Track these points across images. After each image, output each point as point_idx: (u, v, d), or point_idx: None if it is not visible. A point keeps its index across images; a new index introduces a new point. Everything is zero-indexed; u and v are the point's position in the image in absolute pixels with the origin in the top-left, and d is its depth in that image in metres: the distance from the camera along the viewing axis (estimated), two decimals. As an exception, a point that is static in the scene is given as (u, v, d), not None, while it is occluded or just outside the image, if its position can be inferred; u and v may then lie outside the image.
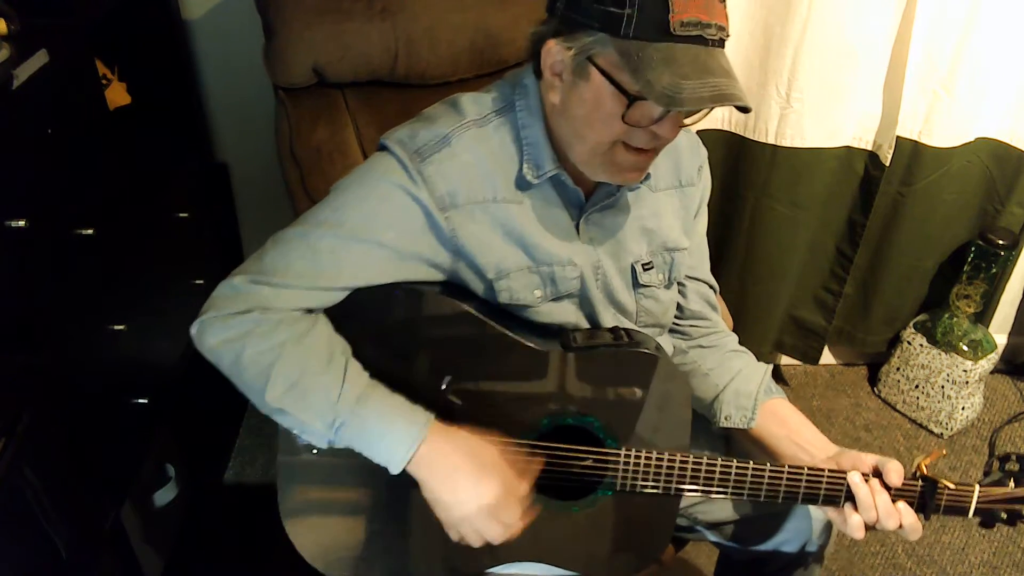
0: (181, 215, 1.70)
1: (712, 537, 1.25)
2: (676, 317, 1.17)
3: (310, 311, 0.93)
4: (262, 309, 0.90)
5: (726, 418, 1.10)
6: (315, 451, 0.99)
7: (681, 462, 0.97)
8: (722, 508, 1.17)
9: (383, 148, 0.96)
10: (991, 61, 1.72)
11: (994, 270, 1.94)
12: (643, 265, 1.06)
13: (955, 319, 2.03)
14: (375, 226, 0.93)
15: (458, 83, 1.50)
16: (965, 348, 2.01)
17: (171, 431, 1.54)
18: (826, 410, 2.18)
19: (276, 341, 0.89)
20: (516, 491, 0.93)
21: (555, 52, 0.88)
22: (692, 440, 1.01)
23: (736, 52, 1.74)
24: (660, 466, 0.98)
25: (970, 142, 1.84)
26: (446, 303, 0.98)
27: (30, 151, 1.14)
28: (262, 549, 1.06)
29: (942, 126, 1.79)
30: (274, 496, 1.02)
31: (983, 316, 2.07)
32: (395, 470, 0.90)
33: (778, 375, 2.28)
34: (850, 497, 0.97)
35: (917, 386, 2.12)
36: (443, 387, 0.97)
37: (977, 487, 0.98)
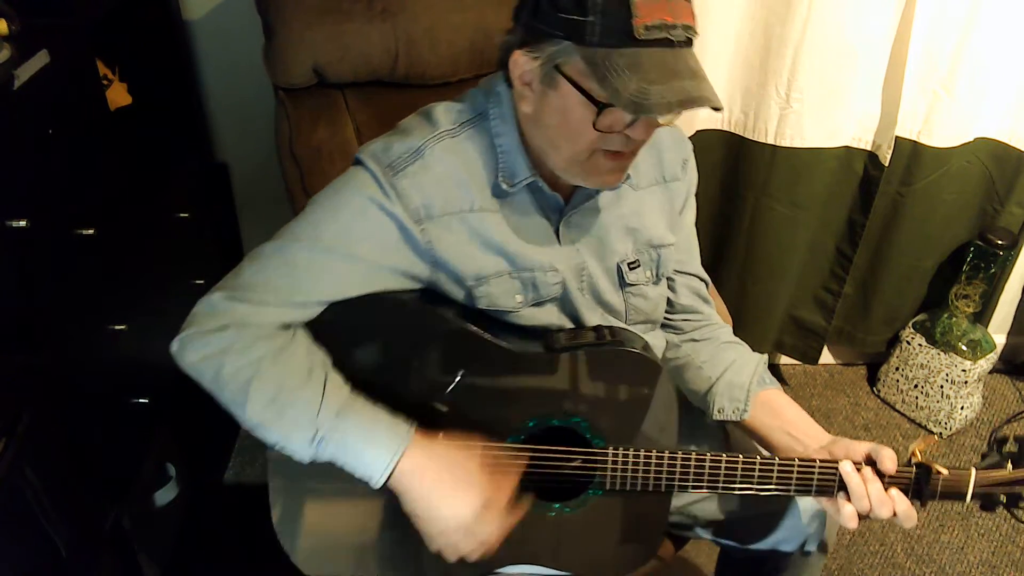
0: (181, 215, 1.70)
1: (712, 536, 1.25)
2: (667, 312, 1.16)
3: (288, 326, 0.94)
4: (240, 325, 0.90)
5: (719, 411, 1.10)
6: None
7: (670, 459, 0.97)
8: (721, 506, 1.17)
9: (358, 162, 0.96)
10: (991, 61, 1.72)
11: (993, 270, 1.94)
12: (629, 264, 1.06)
13: (954, 319, 2.03)
14: (350, 240, 0.93)
15: (458, 83, 1.50)
16: (964, 348, 2.02)
17: (171, 431, 1.54)
18: (825, 410, 2.19)
19: (254, 357, 0.89)
20: (495, 505, 0.92)
21: (522, 63, 0.88)
22: (691, 436, 1.01)
23: (736, 52, 1.74)
24: (648, 463, 0.98)
25: (969, 142, 1.84)
26: (426, 311, 0.98)
27: (31, 151, 1.14)
28: (262, 549, 1.06)
29: (941, 126, 1.79)
30: (274, 496, 1.02)
31: (982, 316, 2.07)
32: (376, 485, 0.90)
33: (778, 375, 2.28)
34: (843, 487, 0.96)
35: (916, 386, 2.12)
36: (427, 394, 0.97)
37: (973, 471, 0.97)
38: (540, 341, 1.00)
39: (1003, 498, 0.99)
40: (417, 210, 0.93)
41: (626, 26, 0.80)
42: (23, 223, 1.04)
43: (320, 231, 0.93)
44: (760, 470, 0.98)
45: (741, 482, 0.98)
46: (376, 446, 0.89)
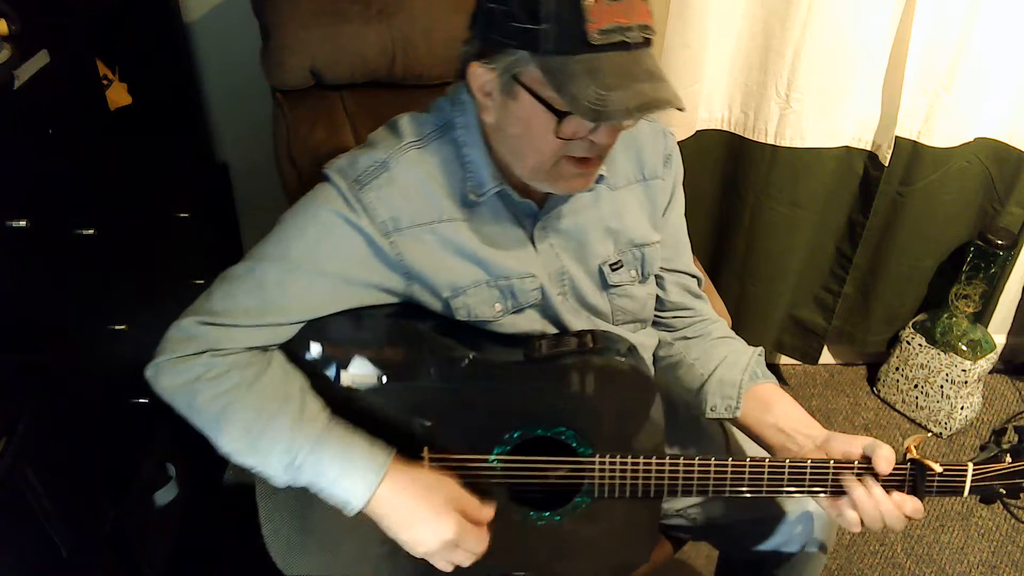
0: (181, 215, 1.70)
1: (712, 538, 1.25)
2: (657, 310, 1.16)
3: (264, 348, 0.93)
4: (212, 352, 0.90)
5: (711, 408, 1.08)
6: None
7: (657, 465, 0.96)
8: (720, 509, 1.17)
9: (325, 178, 0.96)
10: (991, 61, 1.72)
11: (993, 270, 1.94)
12: (611, 266, 1.05)
13: (954, 319, 2.03)
14: (318, 257, 0.93)
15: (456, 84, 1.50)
16: (964, 348, 2.02)
17: (171, 431, 1.54)
18: (825, 410, 2.19)
19: (226, 387, 0.89)
20: (478, 520, 0.93)
21: (480, 74, 0.87)
22: (693, 439, 1.00)
23: (736, 52, 1.74)
24: (636, 470, 0.97)
25: (969, 142, 1.84)
26: (405, 325, 0.98)
27: (31, 151, 1.14)
28: (262, 549, 1.06)
29: (941, 126, 1.79)
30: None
31: (982, 316, 2.07)
32: (350, 513, 0.90)
33: (778, 375, 2.27)
34: (837, 486, 0.96)
35: (916, 386, 2.12)
36: (410, 408, 0.97)
37: (970, 465, 0.96)
38: (521, 350, 0.99)
39: (1003, 491, 0.98)
40: (384, 223, 0.93)
41: (580, 32, 0.79)
42: (23, 223, 1.04)
43: (288, 249, 0.93)
44: (750, 473, 0.96)
45: (731, 486, 0.97)
46: (352, 476, 0.89)
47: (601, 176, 1.00)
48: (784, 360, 2.29)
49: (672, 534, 1.25)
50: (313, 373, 0.96)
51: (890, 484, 0.95)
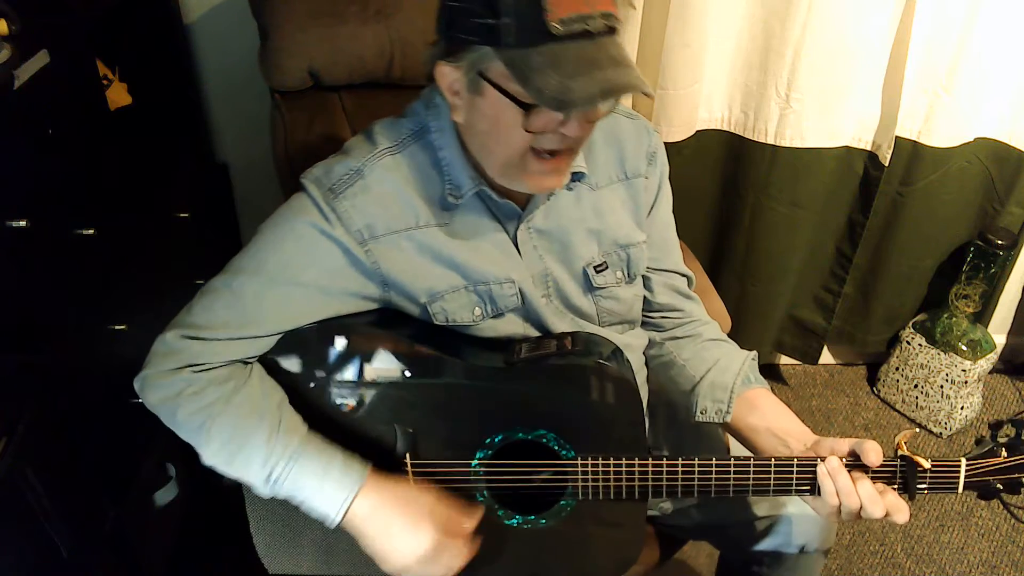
0: (181, 215, 1.70)
1: (712, 538, 1.25)
2: (645, 310, 1.15)
3: (244, 362, 0.94)
4: (192, 366, 0.91)
5: (702, 412, 1.08)
6: None
7: (640, 465, 0.96)
8: (719, 510, 1.17)
9: (301, 187, 0.96)
10: (991, 61, 1.72)
11: (993, 270, 1.94)
12: (595, 267, 1.05)
13: (954, 319, 2.03)
14: (294, 268, 0.93)
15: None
16: (964, 348, 2.02)
17: (171, 431, 1.53)
18: (825, 410, 2.19)
19: (206, 402, 0.90)
20: (458, 533, 0.93)
21: (447, 72, 0.87)
22: (694, 441, 1.00)
23: (736, 52, 1.74)
24: (619, 471, 0.96)
25: (969, 142, 1.84)
26: (382, 333, 0.98)
27: (31, 151, 1.14)
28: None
29: (941, 126, 1.79)
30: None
31: (982, 316, 2.07)
32: (331, 525, 0.91)
33: (778, 375, 2.28)
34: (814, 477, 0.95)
35: (916, 386, 2.12)
36: (391, 417, 0.97)
37: (963, 461, 0.95)
38: (502, 354, 0.99)
39: (999, 486, 0.96)
40: (360, 232, 0.93)
41: (539, 23, 0.78)
42: (23, 223, 1.04)
43: (264, 261, 0.93)
44: (736, 471, 0.96)
45: (717, 484, 0.96)
46: (328, 490, 0.90)
47: (582, 175, 1.00)
48: (784, 360, 2.29)
49: (672, 534, 1.25)
50: (293, 384, 0.96)
51: (881, 479, 0.94)
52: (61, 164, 1.22)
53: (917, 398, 2.13)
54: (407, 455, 0.97)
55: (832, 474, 0.93)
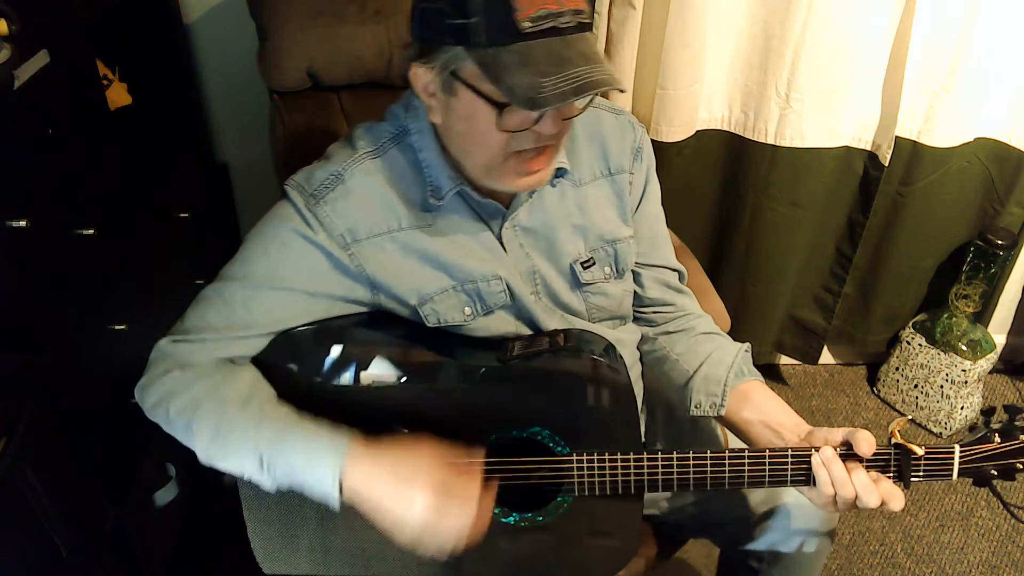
0: (181, 215, 1.70)
1: (712, 537, 1.25)
2: (637, 306, 1.15)
3: (233, 360, 0.94)
4: (181, 366, 0.92)
5: (696, 406, 1.08)
6: None
7: (635, 460, 0.96)
8: (718, 508, 1.17)
9: (284, 194, 0.96)
10: (991, 61, 1.72)
11: (993, 270, 1.94)
12: (582, 264, 1.05)
13: (954, 319, 2.03)
14: (281, 273, 0.93)
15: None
16: (964, 348, 2.02)
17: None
18: (825, 410, 2.19)
19: (191, 396, 0.90)
20: (457, 489, 0.87)
21: (421, 74, 0.87)
22: (692, 440, 1.00)
23: (736, 52, 1.74)
24: (614, 466, 0.96)
25: (969, 142, 1.84)
26: (374, 334, 0.98)
27: (31, 151, 1.14)
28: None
29: (941, 126, 1.79)
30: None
31: (982, 316, 2.07)
32: (334, 504, 0.87)
33: (777, 375, 2.28)
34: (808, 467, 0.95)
35: (916, 386, 2.12)
36: (386, 419, 0.97)
37: (957, 447, 0.95)
38: (494, 353, 0.99)
39: (994, 472, 0.96)
40: (342, 236, 0.93)
41: (509, 22, 0.79)
42: (23, 223, 1.04)
43: (252, 269, 0.94)
44: (731, 463, 0.96)
45: (713, 477, 0.96)
46: (318, 463, 0.87)
47: (564, 171, 1.00)
48: (784, 360, 2.29)
49: (671, 533, 1.26)
50: (284, 384, 0.96)
51: (875, 468, 0.94)
52: (61, 164, 1.22)
53: (917, 398, 2.13)
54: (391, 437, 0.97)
55: (826, 464, 0.93)
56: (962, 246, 2.01)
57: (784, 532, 1.14)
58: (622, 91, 0.83)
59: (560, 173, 1.00)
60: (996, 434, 0.96)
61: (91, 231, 1.24)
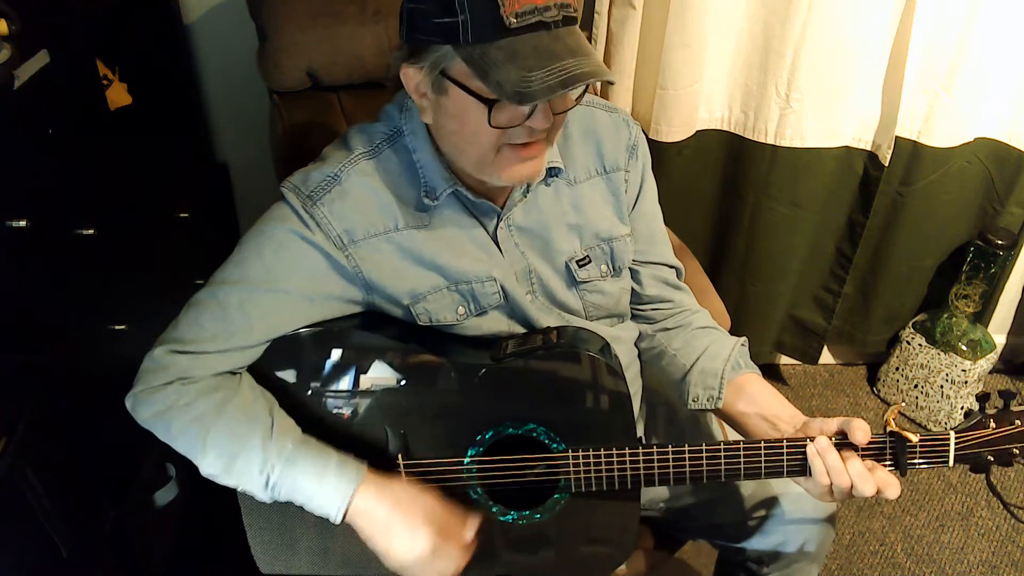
0: (181, 215, 1.70)
1: (710, 538, 1.25)
2: (635, 303, 1.15)
3: (233, 371, 0.94)
4: (182, 380, 0.92)
5: (694, 400, 1.08)
6: None
7: (631, 454, 0.96)
8: (718, 508, 1.17)
9: (280, 196, 0.96)
10: (991, 61, 1.72)
11: (993, 270, 1.94)
12: (578, 262, 1.05)
13: (954, 319, 2.03)
14: (278, 275, 0.93)
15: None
16: (964, 348, 2.02)
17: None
18: (825, 410, 2.19)
19: (197, 414, 0.91)
20: (455, 538, 0.93)
21: (411, 75, 0.87)
22: (694, 439, 1.00)
23: (736, 52, 1.74)
24: (610, 461, 0.97)
25: (969, 142, 1.84)
26: (368, 336, 0.98)
27: (31, 151, 1.14)
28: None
29: (941, 126, 1.79)
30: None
31: (982, 316, 2.07)
32: (335, 522, 0.91)
33: (777, 375, 2.28)
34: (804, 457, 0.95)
35: (916, 386, 2.12)
36: (382, 420, 0.97)
37: (952, 433, 0.95)
38: (488, 351, 0.99)
39: (991, 457, 0.96)
40: (339, 237, 0.94)
41: (495, 18, 0.79)
42: (23, 223, 1.04)
43: (248, 271, 0.94)
44: (726, 455, 0.96)
45: (709, 469, 0.97)
46: (326, 491, 0.90)
47: (559, 170, 1.00)
48: (784, 360, 2.29)
49: (671, 533, 1.26)
50: (282, 390, 0.97)
51: (870, 456, 0.94)
52: (61, 164, 1.22)
53: (917, 398, 2.13)
54: (399, 456, 0.98)
55: (821, 453, 0.93)
56: (962, 246, 2.01)
57: (783, 533, 1.14)
58: (611, 83, 0.84)
59: (555, 172, 1.00)
60: (991, 420, 0.95)
61: (91, 231, 1.24)
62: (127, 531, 1.34)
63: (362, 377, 0.98)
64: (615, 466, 0.97)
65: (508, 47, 0.80)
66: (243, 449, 0.90)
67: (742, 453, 0.96)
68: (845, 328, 2.17)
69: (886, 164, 1.81)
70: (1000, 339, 2.24)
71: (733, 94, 1.80)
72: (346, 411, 0.97)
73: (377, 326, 0.99)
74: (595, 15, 1.69)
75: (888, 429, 0.95)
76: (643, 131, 1.12)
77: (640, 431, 1.20)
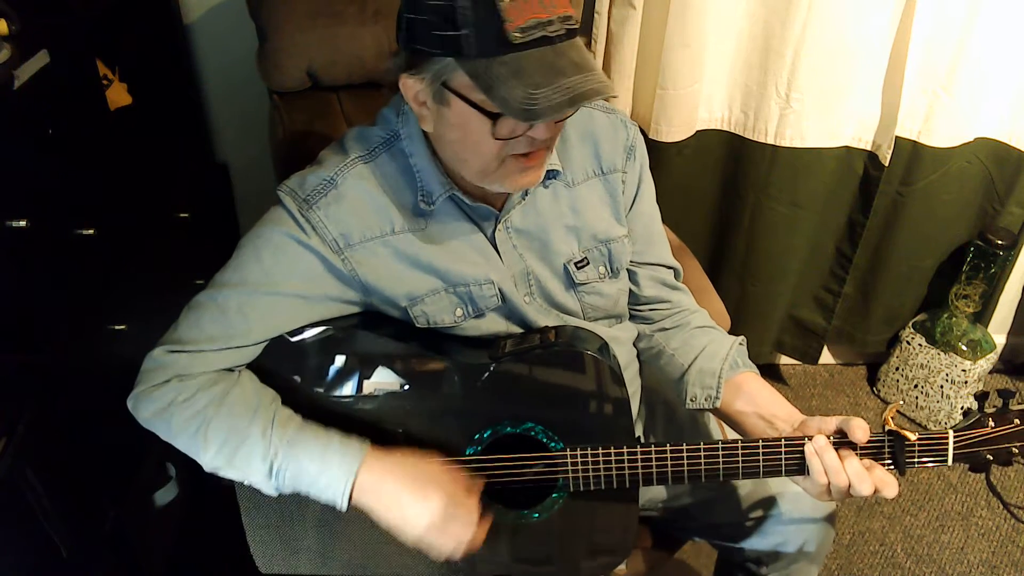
0: (181, 215, 1.70)
1: (709, 538, 1.25)
2: (633, 304, 1.15)
3: (231, 369, 0.95)
4: (180, 377, 0.92)
5: (692, 399, 1.08)
6: None
7: (629, 454, 0.96)
8: (717, 508, 1.17)
9: (277, 199, 0.96)
10: (991, 61, 1.72)
11: (993, 270, 1.94)
12: (576, 264, 1.05)
13: (954, 319, 2.03)
14: (276, 278, 0.94)
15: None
16: (964, 348, 2.02)
17: (171, 431, 1.54)
18: (825, 410, 2.19)
19: (198, 408, 0.91)
20: (463, 503, 0.92)
21: (411, 85, 0.87)
22: (693, 439, 1.00)
23: (736, 52, 1.74)
24: (608, 460, 0.97)
25: (969, 142, 1.84)
26: (367, 335, 0.98)
27: (30, 151, 1.14)
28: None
29: (941, 126, 1.79)
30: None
31: (982, 316, 2.07)
32: (342, 506, 0.91)
33: (777, 375, 2.28)
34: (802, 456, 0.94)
35: (916, 386, 2.12)
36: (379, 419, 0.98)
37: (951, 432, 0.95)
38: (486, 350, 0.99)
39: (989, 456, 0.96)
40: (335, 241, 0.94)
41: (499, 33, 0.78)
42: (23, 223, 1.04)
43: (245, 274, 0.94)
44: (724, 454, 0.96)
45: (707, 468, 0.97)
46: (331, 469, 0.90)
47: (557, 172, 1.00)
48: (784, 360, 2.29)
49: (670, 533, 1.26)
50: (281, 388, 0.97)
51: (869, 455, 0.94)
52: (61, 164, 1.22)
53: (917, 398, 2.13)
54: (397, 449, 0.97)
55: (819, 452, 0.93)
56: (962, 246, 2.01)
57: (782, 533, 1.14)
58: (614, 97, 0.83)
59: (552, 174, 1.00)
60: (990, 419, 0.95)
61: (91, 231, 1.24)
62: (127, 531, 1.34)
63: (360, 377, 0.98)
64: (613, 465, 0.97)
65: (513, 63, 0.79)
66: (245, 439, 0.90)
67: (740, 452, 0.96)
68: (845, 328, 2.17)
69: (886, 164, 1.81)
70: (1000, 339, 2.24)
71: (733, 94, 1.80)
72: (344, 411, 0.97)
73: (375, 326, 0.99)
74: (595, 15, 1.69)
75: (887, 428, 0.95)
76: (643, 131, 1.12)
77: (639, 430, 1.20)
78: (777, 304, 2.05)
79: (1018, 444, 0.95)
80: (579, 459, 0.97)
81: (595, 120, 1.04)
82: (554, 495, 1.00)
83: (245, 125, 1.88)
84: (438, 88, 0.85)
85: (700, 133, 1.83)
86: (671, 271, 1.17)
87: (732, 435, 1.14)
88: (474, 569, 1.03)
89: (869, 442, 0.94)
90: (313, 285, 0.95)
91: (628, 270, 1.12)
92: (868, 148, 1.84)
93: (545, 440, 0.98)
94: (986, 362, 2.03)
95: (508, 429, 0.98)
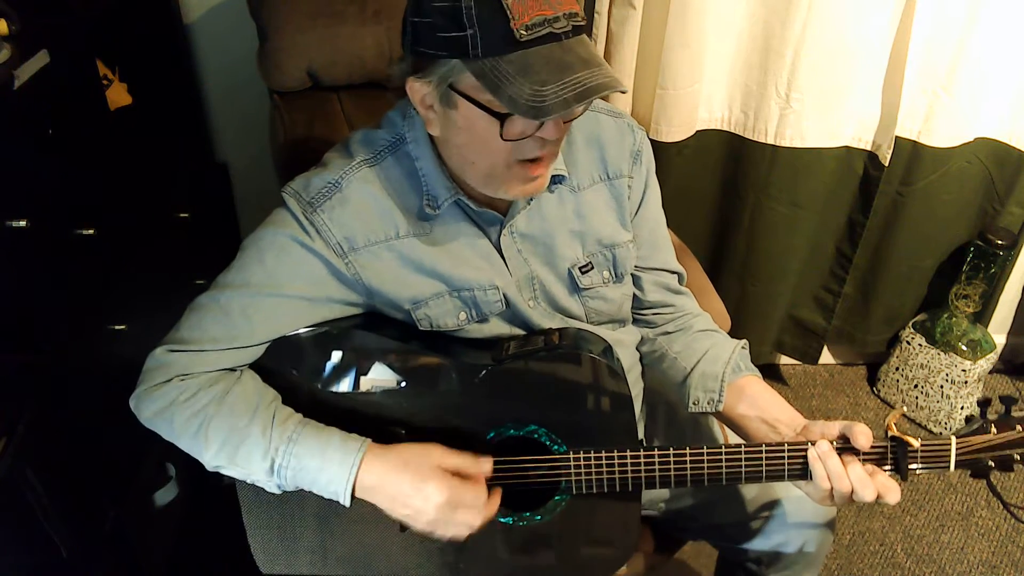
0: (181, 215, 1.70)
1: (711, 538, 1.25)
2: (636, 308, 1.15)
3: (233, 369, 0.95)
4: (182, 376, 0.92)
5: (694, 402, 1.08)
6: None
7: (632, 457, 0.96)
8: (718, 509, 1.17)
9: (281, 201, 0.96)
10: (991, 61, 1.72)
11: (993, 270, 1.94)
12: (580, 268, 1.05)
13: (954, 319, 2.03)
14: (279, 280, 0.93)
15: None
16: (964, 348, 2.02)
17: (171, 431, 1.54)
18: (825, 410, 2.19)
19: (199, 406, 0.91)
20: (469, 488, 0.91)
21: (418, 88, 0.87)
22: (695, 442, 1.00)
23: (736, 52, 1.74)
24: (611, 463, 0.97)
25: (969, 142, 1.84)
26: (371, 337, 0.98)
27: (30, 151, 1.14)
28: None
29: (941, 126, 1.79)
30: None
31: (982, 316, 2.07)
32: (345, 501, 0.90)
33: (777, 375, 2.28)
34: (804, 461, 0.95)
35: (916, 386, 2.12)
36: (383, 420, 0.97)
37: (954, 439, 0.95)
38: (489, 352, 0.99)
39: (991, 463, 0.96)
40: (339, 244, 0.94)
41: (505, 31, 0.78)
42: (23, 223, 1.04)
43: (249, 276, 0.94)
44: (727, 458, 0.96)
45: (709, 472, 0.96)
46: (331, 466, 0.90)
47: (563, 177, 1.00)
48: (784, 360, 2.29)
49: (671, 533, 1.26)
50: (284, 388, 0.97)
51: (871, 461, 0.94)
52: (61, 164, 1.22)
53: (917, 398, 2.13)
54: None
55: (822, 458, 0.93)
56: (962, 246, 2.01)
57: (783, 534, 1.14)
58: (623, 92, 0.83)
59: (558, 179, 1.00)
60: (992, 425, 0.95)
61: (91, 231, 1.24)
62: (127, 531, 1.34)
63: (363, 378, 0.98)
64: (616, 468, 0.97)
65: (519, 60, 0.79)
66: (246, 437, 0.90)
67: (743, 456, 0.96)
68: (845, 328, 2.17)
69: (886, 164, 1.81)
70: (1000, 339, 2.24)
71: (733, 94, 1.80)
72: (346, 412, 0.97)
73: (378, 327, 0.99)
74: (595, 15, 1.69)
75: (889, 433, 0.95)
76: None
77: (640, 433, 1.20)
78: (777, 304, 2.05)
79: (1020, 451, 0.95)
80: (582, 462, 0.97)
81: (601, 125, 1.04)
82: (557, 497, 1.00)
83: (245, 125, 1.88)
84: (445, 91, 0.84)
85: (700, 133, 1.83)
86: (675, 276, 1.17)
87: (733, 438, 1.14)
88: (476, 570, 1.02)
89: (872, 447, 0.94)
90: (316, 288, 0.95)
91: (632, 275, 1.12)
92: (868, 148, 1.84)
93: (548, 443, 0.98)
94: (986, 362, 2.03)
95: (511, 431, 0.98)
